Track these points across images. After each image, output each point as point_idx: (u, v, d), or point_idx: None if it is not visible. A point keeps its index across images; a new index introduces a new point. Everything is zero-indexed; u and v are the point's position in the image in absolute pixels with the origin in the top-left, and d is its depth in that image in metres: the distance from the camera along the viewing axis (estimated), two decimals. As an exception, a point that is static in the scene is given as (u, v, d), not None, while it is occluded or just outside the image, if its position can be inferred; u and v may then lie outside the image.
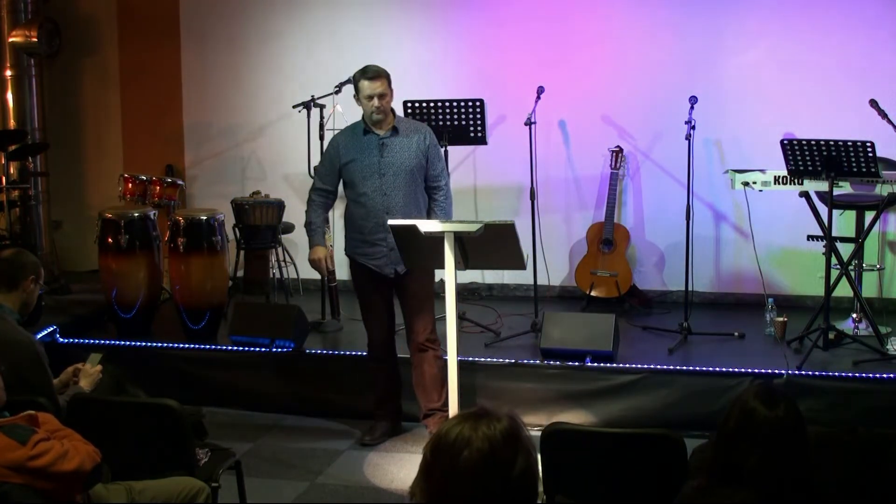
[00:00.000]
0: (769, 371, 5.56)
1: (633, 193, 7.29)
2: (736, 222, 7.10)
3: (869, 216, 6.10)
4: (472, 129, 6.50)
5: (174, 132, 8.03)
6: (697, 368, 5.71)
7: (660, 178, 7.17)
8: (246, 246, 7.09)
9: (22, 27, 7.75)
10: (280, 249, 7.15)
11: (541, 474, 2.80)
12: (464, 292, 7.23)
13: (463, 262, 4.44)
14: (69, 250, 8.18)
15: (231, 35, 7.86)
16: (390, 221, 4.74)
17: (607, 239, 6.97)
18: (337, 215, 5.59)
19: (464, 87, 7.07)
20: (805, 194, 6.01)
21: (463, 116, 6.47)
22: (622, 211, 7.24)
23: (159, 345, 6.33)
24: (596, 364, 5.73)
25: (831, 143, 5.64)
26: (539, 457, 3.53)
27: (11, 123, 7.80)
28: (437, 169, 5.41)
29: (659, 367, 5.73)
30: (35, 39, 7.73)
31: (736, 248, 7.13)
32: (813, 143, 5.69)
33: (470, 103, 6.45)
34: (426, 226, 4.46)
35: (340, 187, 5.46)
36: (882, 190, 5.76)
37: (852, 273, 6.15)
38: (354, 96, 5.37)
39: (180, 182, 7.33)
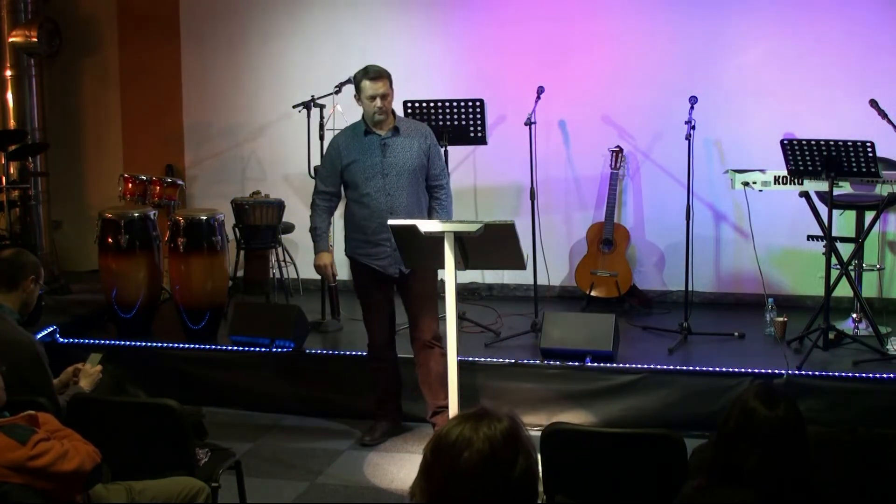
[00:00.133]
0: (769, 371, 5.56)
1: (633, 193, 7.29)
2: (736, 222, 7.10)
3: (869, 216, 6.10)
4: (472, 129, 6.50)
5: (174, 132, 8.03)
6: (697, 368, 5.71)
7: (660, 178, 7.17)
8: (246, 246, 7.09)
9: (22, 27, 7.74)
10: (280, 249, 7.15)
11: (541, 474, 2.80)
12: (464, 292, 7.23)
13: (463, 262, 4.43)
14: (69, 250, 8.18)
15: (231, 35, 7.86)
16: (390, 221, 4.74)
17: (607, 239, 6.97)
18: (337, 216, 5.57)
19: (464, 87, 7.07)
20: (805, 194, 6.01)
21: (463, 116, 6.46)
22: (622, 211, 7.23)
23: (159, 345, 6.33)
24: (596, 364, 5.73)
25: (831, 143, 5.64)
26: (539, 457, 3.53)
27: (11, 123, 7.80)
28: (438, 168, 5.42)
29: (659, 367, 5.73)
30: (35, 39, 7.73)
31: (736, 248, 7.13)
32: (813, 143, 5.69)
33: (470, 103, 6.45)
34: (426, 226, 4.45)
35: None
36: (882, 190, 5.76)
37: (852, 273, 6.15)
38: (355, 96, 5.37)
39: (180, 182, 7.33)
